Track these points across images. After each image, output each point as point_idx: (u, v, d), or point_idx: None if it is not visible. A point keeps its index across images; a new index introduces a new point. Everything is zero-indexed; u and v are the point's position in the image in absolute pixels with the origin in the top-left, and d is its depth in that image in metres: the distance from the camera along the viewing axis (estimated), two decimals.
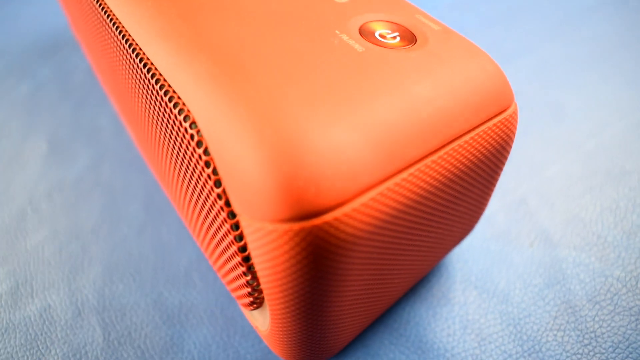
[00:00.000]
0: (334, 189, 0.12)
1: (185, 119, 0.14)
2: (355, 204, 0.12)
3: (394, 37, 0.16)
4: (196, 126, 0.14)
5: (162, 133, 0.17)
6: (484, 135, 0.15)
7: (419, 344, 0.20)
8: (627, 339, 0.20)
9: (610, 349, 0.20)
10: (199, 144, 0.14)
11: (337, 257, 0.12)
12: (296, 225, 0.12)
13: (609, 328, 0.20)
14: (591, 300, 0.21)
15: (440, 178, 0.14)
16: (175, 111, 0.14)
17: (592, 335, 0.20)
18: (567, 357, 0.19)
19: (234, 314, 0.21)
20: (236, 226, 0.14)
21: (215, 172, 0.13)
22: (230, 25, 0.16)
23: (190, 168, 0.15)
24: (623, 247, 0.23)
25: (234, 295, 0.19)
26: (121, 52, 0.18)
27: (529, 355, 0.20)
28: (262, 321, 0.18)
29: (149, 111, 0.17)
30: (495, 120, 0.16)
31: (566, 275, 0.22)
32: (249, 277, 0.15)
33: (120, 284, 0.22)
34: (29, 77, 0.33)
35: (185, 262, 0.23)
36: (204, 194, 0.15)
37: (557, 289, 0.21)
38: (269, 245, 0.12)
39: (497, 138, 0.16)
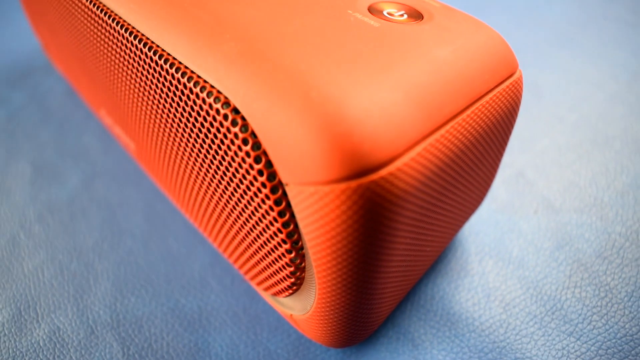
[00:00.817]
0: (386, 144, 0.12)
1: (215, 101, 0.14)
2: (406, 158, 0.13)
3: (402, 15, 0.17)
4: (229, 105, 0.14)
5: (181, 126, 0.17)
6: (500, 97, 0.16)
7: (447, 317, 0.20)
8: (638, 289, 0.21)
9: (626, 299, 0.21)
10: (234, 122, 0.14)
11: (390, 214, 0.13)
12: (353, 183, 0.12)
13: (620, 280, 0.21)
14: (599, 256, 0.22)
15: (470, 136, 0.15)
16: (203, 94, 0.14)
17: (607, 287, 0.21)
18: (588, 310, 0.20)
19: (258, 312, 0.21)
20: (279, 201, 0.14)
21: (256, 146, 0.13)
22: (247, 10, 0.16)
23: (220, 152, 0.15)
24: (619, 205, 0.24)
25: (264, 286, 0.19)
26: (128, 53, 0.18)
27: (552, 313, 0.20)
28: (300, 306, 0.17)
29: (162, 107, 0.17)
30: (507, 82, 0.17)
31: (572, 237, 0.23)
32: (292, 255, 0.15)
33: (132, 297, 0.22)
34: (3, 102, 0.32)
35: (198, 267, 0.23)
36: (239, 175, 0.15)
37: (567, 250, 0.22)
38: (324, 208, 0.12)
39: (509, 99, 0.17)
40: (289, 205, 0.14)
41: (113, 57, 0.19)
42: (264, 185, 0.14)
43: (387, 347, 0.20)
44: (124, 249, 0.24)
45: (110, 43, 0.19)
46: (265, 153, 0.14)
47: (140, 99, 0.19)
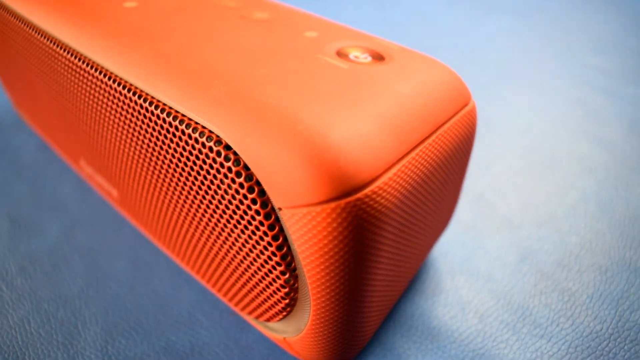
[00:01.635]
0: (367, 167, 0.14)
1: (208, 139, 0.16)
2: (385, 178, 0.15)
3: (366, 57, 0.19)
4: (221, 143, 0.15)
5: (171, 166, 0.18)
6: (458, 123, 0.19)
7: (428, 331, 0.22)
8: (598, 289, 0.23)
9: (587, 300, 0.23)
10: (227, 157, 0.15)
11: (375, 228, 0.15)
12: (342, 202, 0.14)
13: (580, 284, 0.24)
14: (559, 264, 0.24)
15: (436, 159, 0.17)
16: (195, 135, 0.16)
17: (569, 292, 0.23)
18: (554, 314, 0.22)
19: (249, 342, 0.22)
20: (273, 226, 0.15)
21: (248, 178, 0.15)
22: (228, 58, 0.18)
23: (213, 186, 0.17)
24: (572, 218, 0.27)
25: (256, 313, 0.20)
26: (115, 102, 0.19)
27: (523, 319, 0.22)
28: (293, 328, 0.19)
29: (150, 151, 0.19)
30: (463, 112, 0.19)
31: (533, 250, 0.25)
32: (286, 276, 0.16)
33: (122, 339, 0.22)
34: None
35: (186, 305, 0.24)
36: (232, 206, 0.16)
37: (530, 262, 0.25)
38: (317, 227, 0.14)
39: (467, 125, 0.19)
40: (281, 229, 0.16)
41: (98, 107, 0.21)
42: (257, 212, 0.15)
43: None
44: (110, 294, 0.24)
45: (95, 94, 0.20)
46: (258, 183, 0.15)
47: (126, 145, 0.20)
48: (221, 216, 0.17)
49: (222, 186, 0.16)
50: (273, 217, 0.15)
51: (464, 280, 0.24)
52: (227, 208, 0.17)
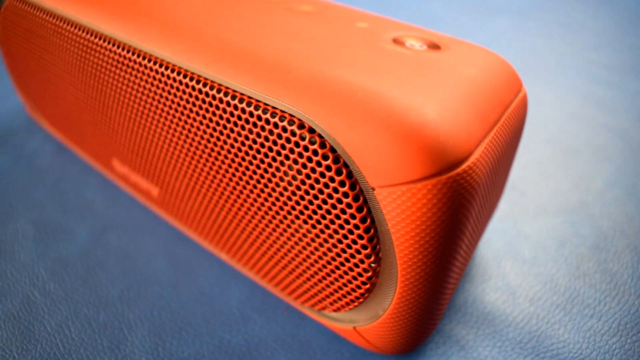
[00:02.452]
0: (462, 143, 0.15)
1: (289, 123, 0.16)
2: (476, 154, 0.15)
3: (421, 46, 0.20)
4: (304, 127, 0.16)
5: (239, 154, 0.18)
6: (518, 106, 0.19)
7: (483, 317, 0.22)
8: (637, 269, 0.24)
9: (629, 280, 0.24)
10: (312, 140, 0.15)
11: (468, 203, 0.15)
12: (443, 177, 0.14)
13: (620, 265, 0.24)
14: (597, 247, 0.25)
15: (506, 139, 0.18)
16: (275, 119, 0.16)
17: (610, 273, 0.24)
18: (600, 294, 0.23)
19: (307, 336, 0.22)
20: (361, 208, 0.16)
21: (335, 160, 0.15)
22: (295, 44, 0.18)
23: (291, 172, 0.17)
24: (601, 203, 0.28)
25: (325, 303, 0.20)
26: (174, 92, 0.19)
27: (572, 300, 0.23)
28: (367, 315, 0.19)
29: (216, 141, 0.19)
30: (520, 95, 0.20)
31: (570, 235, 0.26)
32: (371, 259, 0.16)
33: (173, 340, 0.22)
34: None
35: (235, 302, 0.23)
36: (314, 190, 0.16)
37: (569, 246, 0.25)
38: (417, 204, 0.14)
39: (523, 109, 0.20)
40: (369, 210, 0.16)
41: (150, 100, 0.20)
42: (345, 194, 0.16)
43: (436, 352, 0.21)
44: (153, 295, 0.24)
45: (149, 86, 0.20)
46: (345, 164, 0.15)
47: (182, 138, 0.20)
48: (297, 202, 0.17)
49: (303, 170, 0.16)
50: (361, 198, 0.16)
51: (510, 265, 0.25)
52: (307, 193, 0.17)
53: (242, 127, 0.17)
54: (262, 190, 0.18)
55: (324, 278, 0.19)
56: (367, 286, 0.17)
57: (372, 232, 0.16)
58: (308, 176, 0.16)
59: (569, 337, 0.21)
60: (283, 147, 0.16)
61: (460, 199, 0.15)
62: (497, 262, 0.25)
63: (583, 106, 0.36)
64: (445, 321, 0.22)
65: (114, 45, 0.21)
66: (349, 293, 0.18)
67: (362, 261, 0.17)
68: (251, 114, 0.17)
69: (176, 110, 0.19)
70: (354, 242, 0.16)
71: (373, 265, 0.17)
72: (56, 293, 0.24)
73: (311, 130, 0.16)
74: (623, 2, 0.46)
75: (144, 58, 0.20)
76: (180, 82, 0.19)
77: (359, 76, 0.16)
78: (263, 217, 0.19)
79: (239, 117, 0.17)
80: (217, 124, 0.18)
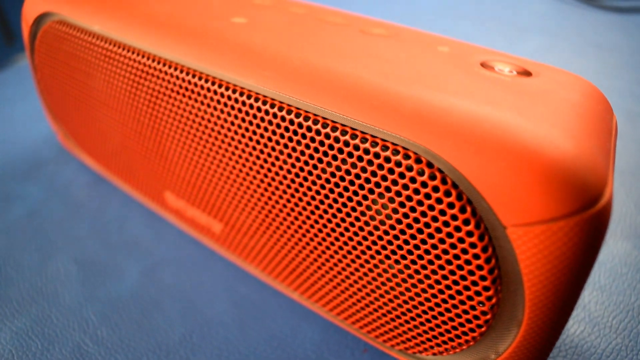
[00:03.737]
0: (599, 176, 0.14)
1: (405, 157, 0.15)
2: (608, 190, 0.14)
3: (510, 70, 0.19)
4: (421, 161, 0.15)
5: (325, 188, 0.17)
6: (615, 134, 0.19)
7: (574, 351, 0.22)
8: None
9: None
10: (432, 176, 0.15)
11: (602, 239, 0.14)
12: (585, 214, 0.13)
13: None
14: None
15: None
16: (386, 153, 0.15)
17: None
18: None
19: None
20: (486, 247, 0.15)
21: (459, 197, 0.14)
22: (389, 70, 0.17)
23: (403, 209, 0.16)
24: None
25: (421, 347, 0.19)
26: (250, 119, 0.18)
27: None
28: (472, 359, 0.18)
29: (299, 170, 0.18)
30: (614, 122, 0.19)
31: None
32: (492, 301, 0.16)
33: None
34: (18, 199, 0.30)
35: (309, 344, 0.22)
36: (429, 229, 0.15)
37: None
38: (556, 242, 0.14)
39: (616, 133, 0.19)
40: (494, 250, 0.15)
41: (220, 129, 0.19)
42: (469, 233, 0.15)
43: None
44: (218, 339, 0.22)
45: (227, 116, 0.19)
46: (470, 202, 0.15)
47: (263, 171, 0.19)
48: (406, 242, 0.16)
49: (418, 208, 0.15)
50: (486, 237, 0.15)
51: (588, 294, 0.24)
52: (421, 231, 0.16)
53: (334, 157, 0.16)
54: (351, 225, 0.18)
55: (427, 321, 0.18)
56: (483, 329, 0.17)
57: (496, 272, 0.15)
58: (424, 214, 0.15)
59: None
60: (394, 182, 0.16)
61: (598, 236, 0.14)
62: None
63: (633, 125, 0.36)
64: None
65: (181, 71, 0.20)
66: (457, 336, 0.17)
67: (481, 303, 0.16)
68: (346, 144, 0.16)
69: (258, 142, 0.19)
70: (474, 283, 0.16)
71: (493, 307, 0.16)
72: (110, 340, 0.22)
73: (429, 165, 0.15)
74: None
75: (219, 86, 0.19)
76: (267, 112, 0.18)
77: (477, 105, 0.15)
78: (347, 255, 0.18)
79: (330, 147, 0.16)
80: (302, 153, 0.17)
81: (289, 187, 0.19)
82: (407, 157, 0.15)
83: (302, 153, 0.17)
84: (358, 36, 0.21)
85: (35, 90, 0.30)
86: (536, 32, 0.47)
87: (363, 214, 0.17)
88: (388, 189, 0.16)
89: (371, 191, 0.16)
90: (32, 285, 0.25)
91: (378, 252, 0.18)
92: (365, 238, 0.18)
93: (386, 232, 0.17)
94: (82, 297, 0.24)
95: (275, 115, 0.18)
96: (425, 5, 0.54)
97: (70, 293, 0.25)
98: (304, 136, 0.17)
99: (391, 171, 0.15)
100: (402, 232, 0.16)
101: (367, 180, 0.16)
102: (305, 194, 0.18)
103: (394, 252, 0.17)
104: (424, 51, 0.20)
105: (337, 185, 0.17)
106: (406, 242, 0.17)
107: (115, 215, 0.29)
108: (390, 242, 0.17)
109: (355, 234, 0.18)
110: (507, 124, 0.14)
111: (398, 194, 0.16)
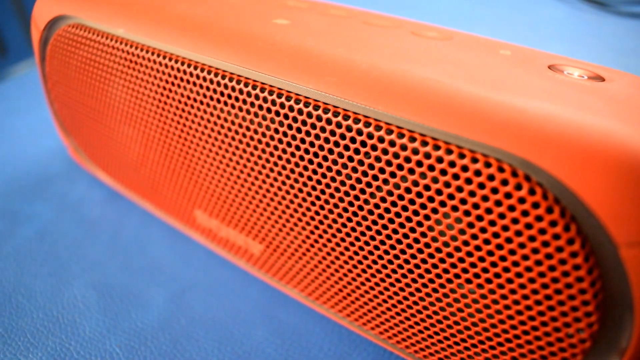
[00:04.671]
0: None
1: (499, 170, 0.14)
2: None
3: (581, 75, 0.18)
4: (517, 175, 0.13)
5: (386, 200, 0.16)
6: None
7: None
8: None
9: None
10: (531, 191, 0.13)
11: None
12: None
13: None
14: None
15: None
16: (477, 165, 0.14)
17: None
18: None
19: None
20: (591, 270, 0.13)
21: (562, 214, 0.13)
22: (470, 75, 0.16)
23: (493, 227, 0.14)
24: None
25: None
26: (305, 127, 0.17)
27: None
28: None
29: (354, 186, 0.16)
30: None
31: None
32: (593, 328, 0.14)
33: None
34: (25, 219, 0.28)
35: None
36: (523, 250, 0.14)
37: None
38: None
39: None
40: (599, 271, 0.14)
41: (272, 142, 0.18)
42: (574, 254, 0.13)
43: None
44: None
45: (278, 126, 0.18)
46: (573, 219, 0.13)
47: (320, 187, 0.17)
48: (493, 264, 0.15)
49: (513, 227, 0.14)
50: (592, 258, 0.13)
51: None
52: (512, 253, 0.14)
53: (410, 171, 0.15)
54: (426, 246, 0.16)
55: (510, 350, 0.16)
56: (578, 358, 0.15)
57: (600, 297, 0.14)
58: (519, 233, 0.14)
59: None
60: (485, 198, 0.14)
61: None
62: None
63: None
64: None
65: (222, 77, 0.18)
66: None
67: (580, 330, 0.15)
68: (427, 155, 0.15)
69: (315, 155, 0.17)
70: (574, 309, 0.14)
71: (594, 334, 0.15)
72: None
73: (527, 178, 0.14)
74: None
75: (270, 93, 0.17)
76: (329, 121, 0.16)
77: (578, 112, 0.14)
78: (416, 279, 0.17)
79: (395, 155, 0.15)
80: (372, 167, 0.16)
81: (361, 209, 0.17)
82: (501, 169, 0.14)
83: (372, 167, 0.16)
84: (414, 39, 0.20)
85: (45, 101, 0.28)
86: (554, 37, 0.47)
87: (440, 233, 0.16)
88: (476, 206, 0.14)
89: (455, 208, 0.15)
90: (47, 314, 0.23)
91: (457, 276, 0.16)
92: (442, 260, 0.16)
93: (469, 254, 0.15)
94: (104, 328, 0.22)
95: (339, 125, 0.16)
96: (440, 10, 0.53)
97: (91, 323, 0.23)
98: (374, 148, 0.16)
99: (481, 186, 0.14)
100: (490, 253, 0.15)
101: (451, 197, 0.15)
102: (371, 212, 0.17)
103: (476, 275, 0.16)
104: (488, 54, 0.19)
105: (412, 202, 0.16)
106: (493, 264, 0.15)
107: (135, 236, 0.27)
108: (473, 265, 0.16)
109: (431, 255, 0.16)
110: (618, 133, 0.13)
111: (488, 211, 0.14)
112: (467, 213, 0.15)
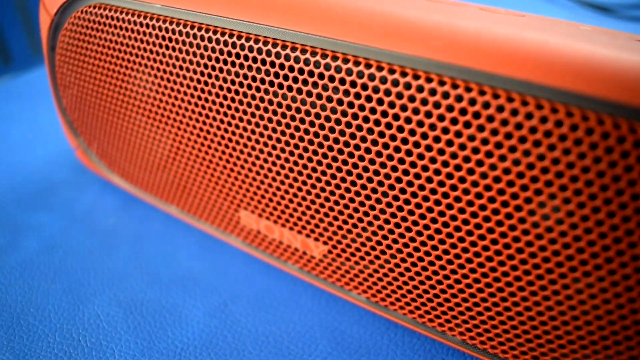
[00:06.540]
0: None
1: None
2: None
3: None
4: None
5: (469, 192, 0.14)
6: None
7: None
8: None
9: None
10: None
11: None
12: None
13: None
14: None
15: None
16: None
17: None
18: None
19: None
20: None
21: None
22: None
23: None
24: None
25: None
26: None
27: None
28: None
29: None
30: None
31: None
32: None
33: None
34: (27, 230, 0.25)
35: None
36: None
37: None
38: None
39: None
40: None
41: (350, 130, 0.16)
42: None
43: None
44: None
45: (364, 101, 0.16)
46: None
47: (396, 173, 0.16)
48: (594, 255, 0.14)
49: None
50: None
51: None
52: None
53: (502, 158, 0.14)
54: (502, 236, 0.15)
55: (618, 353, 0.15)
56: None
57: None
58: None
59: None
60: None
61: None
62: None
63: None
64: None
65: (292, 49, 0.17)
66: None
67: None
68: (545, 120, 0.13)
69: (392, 138, 0.15)
70: None
71: None
72: None
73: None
74: None
75: (356, 63, 0.16)
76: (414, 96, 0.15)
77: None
78: (508, 272, 0.15)
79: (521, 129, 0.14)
80: (446, 153, 0.14)
81: (438, 203, 0.15)
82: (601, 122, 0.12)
83: (446, 153, 0.14)
84: (488, 14, 0.19)
85: (52, 98, 0.26)
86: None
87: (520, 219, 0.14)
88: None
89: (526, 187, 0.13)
90: (66, 337, 0.20)
91: (550, 271, 0.15)
92: (533, 255, 0.15)
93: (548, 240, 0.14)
94: (137, 350, 0.20)
95: (436, 93, 0.15)
96: None
97: (119, 345, 0.20)
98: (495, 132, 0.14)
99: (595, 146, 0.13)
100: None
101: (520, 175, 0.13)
102: (471, 203, 0.15)
103: (573, 269, 0.14)
104: (574, 27, 0.18)
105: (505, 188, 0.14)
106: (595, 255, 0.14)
107: (159, 244, 0.24)
108: (570, 257, 0.14)
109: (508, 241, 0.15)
110: None
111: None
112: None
